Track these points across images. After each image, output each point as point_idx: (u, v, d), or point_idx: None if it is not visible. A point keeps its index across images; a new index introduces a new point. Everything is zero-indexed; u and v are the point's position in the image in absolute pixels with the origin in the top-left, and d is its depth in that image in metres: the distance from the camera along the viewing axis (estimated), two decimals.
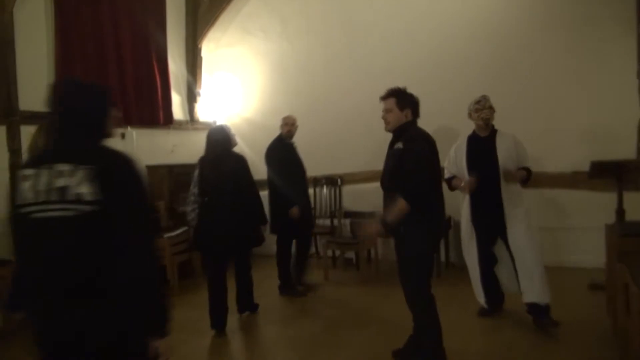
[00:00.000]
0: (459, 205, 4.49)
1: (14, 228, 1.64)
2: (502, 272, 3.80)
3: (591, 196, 5.09)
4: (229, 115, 6.77)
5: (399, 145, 2.93)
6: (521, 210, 3.64)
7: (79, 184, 1.55)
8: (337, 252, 5.82)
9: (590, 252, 4.87)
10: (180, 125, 6.22)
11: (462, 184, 3.65)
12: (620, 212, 4.24)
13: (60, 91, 1.72)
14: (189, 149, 5.82)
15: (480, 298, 3.87)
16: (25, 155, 4.37)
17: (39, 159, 1.64)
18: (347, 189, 6.07)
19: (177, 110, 6.29)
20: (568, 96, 5.25)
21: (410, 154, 2.85)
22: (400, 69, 5.61)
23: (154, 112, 5.75)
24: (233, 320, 4.19)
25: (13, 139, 4.36)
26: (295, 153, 4.91)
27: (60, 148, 1.66)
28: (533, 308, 3.59)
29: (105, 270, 1.54)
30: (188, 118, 6.53)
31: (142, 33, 5.61)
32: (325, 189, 6.18)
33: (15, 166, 4.34)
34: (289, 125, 4.82)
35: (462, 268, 5.28)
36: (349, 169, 6.09)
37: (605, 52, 5.13)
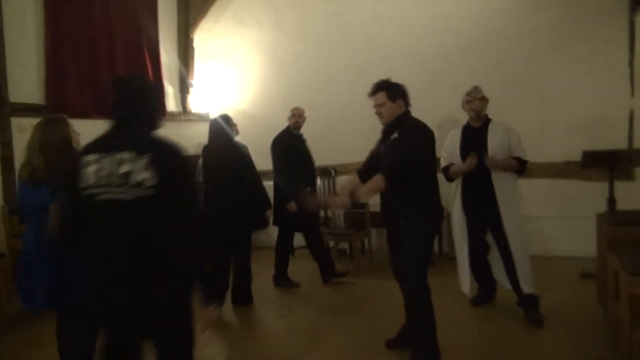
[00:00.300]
0: (450, 196, 4.52)
1: (75, 207, 1.84)
2: (495, 262, 3.83)
3: (583, 186, 5.12)
4: (222, 106, 6.73)
5: (395, 135, 2.92)
6: (514, 199, 3.66)
7: (140, 170, 1.74)
8: (331, 243, 5.83)
9: (581, 241, 4.92)
10: (173, 117, 6.18)
11: (460, 168, 3.67)
12: (612, 201, 4.27)
13: (122, 87, 1.96)
14: (182, 140, 5.77)
15: (465, 288, 3.89)
16: (17, 149, 4.36)
17: (100, 147, 1.83)
18: (340, 180, 6.07)
19: (170, 101, 6.25)
20: (560, 86, 5.27)
21: (403, 143, 2.85)
22: (394, 58, 5.60)
23: None
24: (228, 311, 4.21)
25: (3, 131, 4.33)
26: (303, 145, 4.88)
27: (120, 138, 1.84)
28: (524, 301, 3.62)
29: (159, 246, 1.72)
30: (181, 109, 6.49)
31: (133, 23, 5.55)
32: (319, 180, 6.18)
33: (6, 159, 4.31)
34: (297, 117, 4.78)
35: (455, 258, 5.34)
36: (343, 160, 6.09)
37: (598, 41, 5.13)
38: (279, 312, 4.20)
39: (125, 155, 1.77)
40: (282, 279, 4.83)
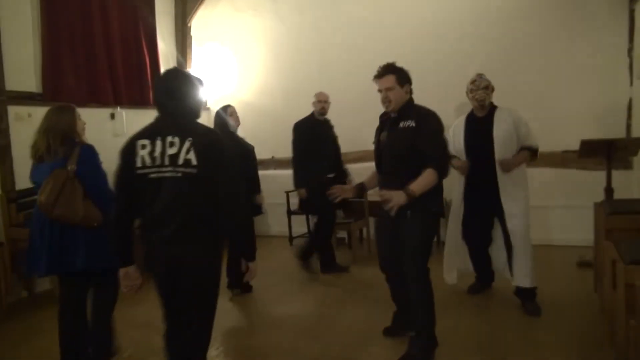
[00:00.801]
0: (451, 187, 4.51)
1: (129, 187, 2.14)
2: (496, 254, 3.80)
3: (581, 175, 5.13)
4: (220, 95, 6.71)
5: (410, 123, 2.79)
6: (519, 191, 3.56)
7: (186, 152, 2.06)
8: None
9: (579, 230, 4.94)
10: None
11: (458, 165, 3.61)
12: (609, 190, 4.27)
13: (171, 81, 2.20)
14: None
15: (448, 275, 3.85)
16: (14, 137, 4.34)
17: (150, 133, 2.13)
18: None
19: None
20: (559, 75, 5.25)
21: (429, 132, 2.77)
22: (393, 47, 5.56)
23: (143, 92, 5.68)
24: (225, 300, 4.23)
25: (0, 120, 4.31)
26: (329, 131, 4.83)
27: (168, 125, 2.13)
28: (521, 291, 3.61)
29: (202, 216, 2.10)
30: None
31: (130, 11, 5.51)
32: None
33: (2, 147, 4.30)
34: (322, 102, 4.75)
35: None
36: (343, 149, 6.08)
37: (597, 30, 5.11)
38: (276, 300, 4.22)
39: (172, 140, 2.08)
40: (331, 266, 4.82)
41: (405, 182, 2.69)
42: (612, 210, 3.49)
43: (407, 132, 2.79)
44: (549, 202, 5.25)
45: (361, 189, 3.18)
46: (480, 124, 3.61)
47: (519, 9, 5.37)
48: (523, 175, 3.63)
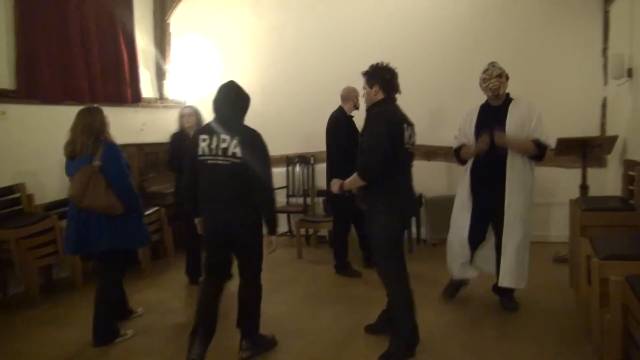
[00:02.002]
0: (431, 184, 4.56)
1: (194, 170, 2.94)
2: (482, 252, 3.69)
3: (557, 172, 5.22)
4: (200, 93, 6.64)
5: (367, 123, 2.94)
6: (523, 189, 3.40)
7: (234, 147, 2.83)
8: (311, 231, 5.85)
9: (555, 226, 5.04)
10: (149, 103, 6.07)
11: (465, 152, 3.51)
12: (584, 187, 4.38)
13: (228, 94, 2.99)
14: (158, 127, 5.70)
15: (455, 271, 3.71)
16: None
17: (210, 130, 2.92)
18: (320, 168, 6.07)
19: (146, 87, 6.13)
20: (535, 75, 5.33)
21: (367, 132, 2.89)
22: (373, 44, 5.59)
23: (121, 90, 5.59)
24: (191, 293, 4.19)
25: None
26: (355, 128, 4.56)
27: (222, 124, 2.90)
28: (499, 288, 3.58)
29: (244, 192, 2.87)
30: (157, 96, 6.38)
31: (107, 6, 5.40)
32: (298, 168, 6.17)
33: None
34: (355, 99, 4.62)
35: (435, 245, 5.41)
36: (322, 148, 6.08)
37: (572, 30, 5.22)
38: None
39: (224, 137, 2.85)
40: (342, 268, 4.73)
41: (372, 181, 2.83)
42: (586, 207, 3.57)
43: (362, 133, 2.96)
44: None
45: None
46: (494, 114, 3.44)
47: (496, 9, 5.44)
48: (531, 176, 3.47)
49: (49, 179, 4.60)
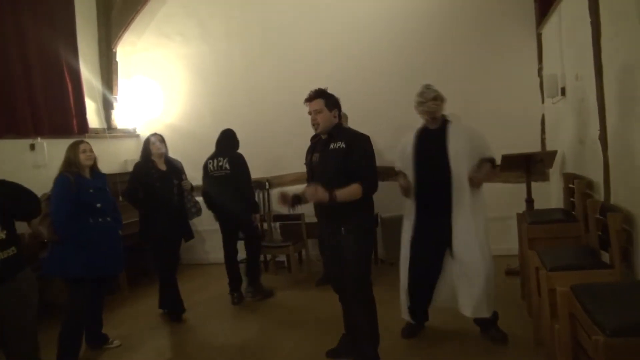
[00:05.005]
0: (385, 203, 4.62)
1: (208, 181, 4.70)
2: (443, 286, 3.42)
3: (503, 188, 5.42)
4: (149, 121, 6.53)
5: (340, 145, 2.92)
6: (472, 212, 3.26)
7: (225, 164, 4.63)
8: (269, 256, 5.79)
9: (505, 240, 5.20)
10: (97, 134, 5.90)
11: (403, 185, 3.38)
12: (530, 201, 4.56)
13: (225, 136, 4.82)
14: (107, 157, 5.54)
15: (405, 314, 3.51)
16: None
17: (212, 156, 4.74)
18: (275, 192, 6.06)
19: (93, 117, 5.96)
20: (477, 94, 5.54)
21: (360, 153, 2.91)
22: (320, 69, 5.70)
23: (66, 121, 5.40)
24: (163, 334, 4.06)
25: None
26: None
27: (219, 151, 4.73)
28: (478, 319, 3.38)
29: (235, 192, 4.58)
30: (105, 126, 6.22)
31: (49, 37, 5.24)
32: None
33: None
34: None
35: (393, 264, 5.47)
36: (276, 172, 6.09)
37: (510, 53, 5.50)
38: (216, 331, 4.10)
39: (220, 159, 4.66)
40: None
41: (337, 202, 2.83)
42: (532, 220, 3.72)
43: (338, 153, 2.92)
44: None
45: (299, 199, 3.06)
46: (433, 138, 3.34)
47: (434, 32, 5.66)
48: (480, 194, 3.35)
49: None
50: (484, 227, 3.33)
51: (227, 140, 4.78)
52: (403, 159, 3.47)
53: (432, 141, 3.33)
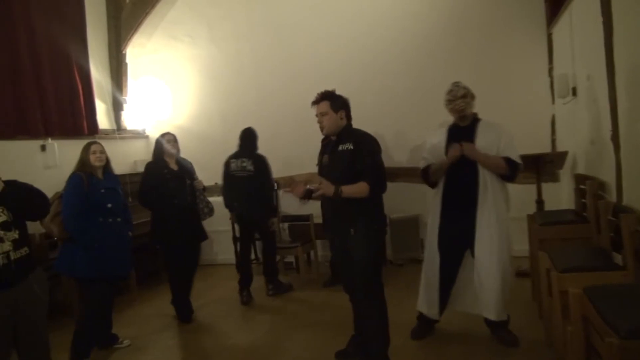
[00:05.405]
0: (393, 204, 4.61)
1: (229, 180, 4.79)
2: (460, 285, 3.42)
3: (514, 188, 5.34)
4: (159, 122, 6.56)
5: (348, 146, 2.92)
6: (495, 212, 3.22)
7: (249, 165, 4.70)
8: (277, 257, 5.79)
9: (516, 241, 5.14)
10: (106, 135, 5.94)
11: (449, 153, 3.26)
12: (540, 202, 4.53)
13: (247, 134, 4.83)
14: (117, 158, 5.55)
15: (427, 307, 3.45)
16: None
17: (235, 155, 4.79)
18: (282, 194, 6.06)
19: (103, 119, 6.01)
20: (486, 94, 5.44)
21: (367, 153, 2.90)
22: (328, 69, 5.70)
23: (77, 122, 5.45)
24: (171, 335, 4.07)
25: None
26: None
27: (242, 153, 4.77)
28: (490, 321, 3.33)
29: (257, 192, 4.70)
30: (115, 127, 6.26)
31: (60, 39, 5.29)
32: None
33: None
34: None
35: (401, 265, 5.47)
36: (285, 173, 6.09)
37: (520, 53, 5.46)
38: (226, 331, 4.10)
39: (244, 159, 4.72)
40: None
41: (342, 202, 2.86)
42: (543, 221, 3.69)
43: (345, 154, 2.93)
44: None
45: (311, 192, 2.95)
46: (462, 135, 3.30)
47: (444, 32, 5.64)
48: (506, 196, 3.34)
49: None
50: (506, 228, 3.30)
51: (250, 140, 4.81)
52: (434, 155, 3.41)
53: (461, 138, 3.27)
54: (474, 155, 3.19)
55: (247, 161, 4.71)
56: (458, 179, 3.29)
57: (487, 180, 3.23)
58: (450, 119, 3.47)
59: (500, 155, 3.21)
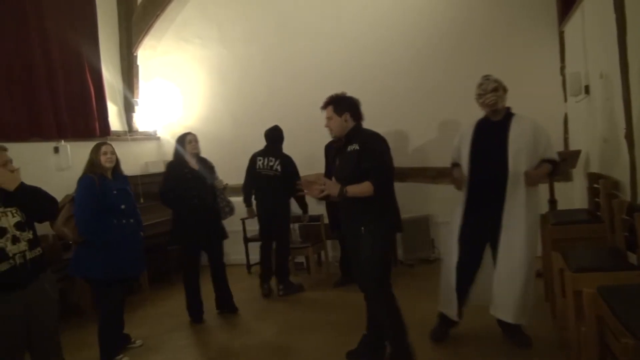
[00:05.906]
0: (404, 204, 4.58)
1: (253, 177, 4.88)
2: (480, 284, 3.31)
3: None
4: (170, 124, 6.60)
5: (355, 147, 2.95)
6: (525, 213, 3.10)
7: (276, 164, 4.79)
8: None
9: None
10: (118, 136, 6.00)
11: (456, 176, 3.28)
12: (553, 202, 4.48)
13: (273, 132, 4.90)
14: (128, 160, 5.61)
15: (446, 307, 3.34)
16: None
17: (262, 153, 4.85)
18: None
19: (114, 120, 6.06)
20: None
21: (372, 152, 2.91)
22: (338, 70, 5.71)
23: (89, 124, 5.50)
24: (181, 336, 4.09)
25: None
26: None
27: (269, 151, 4.83)
28: (504, 322, 3.26)
29: (283, 190, 4.73)
30: (126, 128, 6.31)
31: (72, 42, 5.35)
32: None
33: None
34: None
35: (412, 265, 5.45)
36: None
37: (531, 51, 5.41)
38: (236, 331, 4.12)
39: (271, 158, 4.79)
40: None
41: (353, 201, 2.90)
42: (556, 220, 3.65)
43: (353, 155, 2.96)
44: None
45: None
46: (494, 129, 3.17)
47: (458, 30, 5.62)
48: (536, 195, 3.21)
49: None
50: (535, 230, 3.21)
51: (277, 139, 4.87)
52: (461, 150, 3.32)
53: (492, 133, 3.16)
54: (533, 181, 3.11)
55: (275, 161, 4.80)
56: (486, 176, 3.16)
57: (518, 177, 3.08)
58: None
59: (543, 157, 3.15)
